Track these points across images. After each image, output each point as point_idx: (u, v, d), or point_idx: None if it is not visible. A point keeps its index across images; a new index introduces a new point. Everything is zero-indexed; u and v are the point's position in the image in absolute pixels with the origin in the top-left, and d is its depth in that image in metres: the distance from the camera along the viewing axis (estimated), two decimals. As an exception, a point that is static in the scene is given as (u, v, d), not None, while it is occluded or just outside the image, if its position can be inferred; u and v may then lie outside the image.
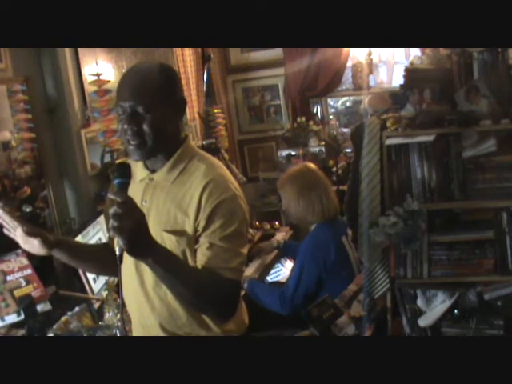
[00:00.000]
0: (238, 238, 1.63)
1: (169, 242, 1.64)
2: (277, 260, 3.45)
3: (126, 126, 1.60)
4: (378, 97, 4.38)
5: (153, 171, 1.71)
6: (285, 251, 3.41)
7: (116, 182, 1.49)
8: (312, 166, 3.03)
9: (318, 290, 2.77)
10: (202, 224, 1.62)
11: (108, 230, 1.46)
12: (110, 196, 1.48)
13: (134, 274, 1.73)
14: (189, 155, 1.70)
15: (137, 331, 1.85)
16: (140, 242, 1.43)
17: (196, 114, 4.52)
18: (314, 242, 2.84)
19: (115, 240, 1.47)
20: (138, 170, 1.73)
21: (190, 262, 1.65)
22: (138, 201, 1.64)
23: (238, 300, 1.71)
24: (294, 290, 2.76)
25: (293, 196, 2.87)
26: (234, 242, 1.62)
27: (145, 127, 1.59)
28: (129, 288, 1.79)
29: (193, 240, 1.64)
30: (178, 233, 1.64)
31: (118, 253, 1.46)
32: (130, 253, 1.44)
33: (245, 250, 1.68)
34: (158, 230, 1.64)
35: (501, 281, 2.78)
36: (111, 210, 1.40)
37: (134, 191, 1.66)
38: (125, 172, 1.51)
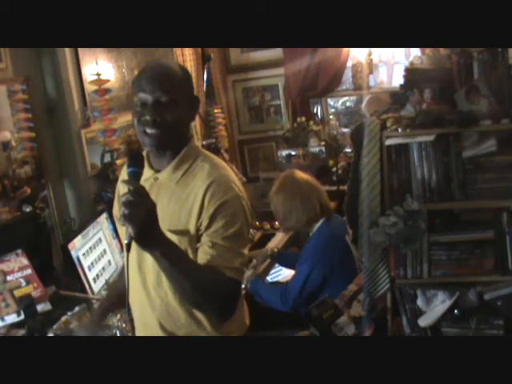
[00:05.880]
0: (239, 238, 1.65)
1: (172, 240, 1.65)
2: (268, 270, 3.36)
3: (148, 118, 1.60)
4: (374, 99, 4.36)
5: (157, 171, 1.72)
6: (278, 261, 3.34)
7: (129, 170, 1.50)
8: (291, 172, 3.04)
9: (321, 289, 2.77)
10: (204, 223, 1.63)
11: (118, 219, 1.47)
12: (123, 183, 1.47)
13: (136, 273, 1.74)
14: (193, 155, 1.72)
15: (139, 330, 1.86)
16: (150, 232, 1.43)
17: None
18: (320, 241, 2.85)
19: (124, 228, 1.47)
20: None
21: None
22: None
23: (238, 300, 1.72)
24: (299, 288, 2.77)
25: (284, 203, 2.90)
26: (235, 242, 1.64)
27: (166, 117, 1.61)
28: (131, 287, 1.79)
29: (194, 239, 1.65)
30: (181, 232, 1.65)
31: (126, 241, 1.45)
32: (139, 242, 1.44)
33: (246, 251, 1.70)
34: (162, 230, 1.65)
35: (501, 281, 2.78)
36: (123, 198, 1.40)
37: None
38: (138, 161, 1.53)
